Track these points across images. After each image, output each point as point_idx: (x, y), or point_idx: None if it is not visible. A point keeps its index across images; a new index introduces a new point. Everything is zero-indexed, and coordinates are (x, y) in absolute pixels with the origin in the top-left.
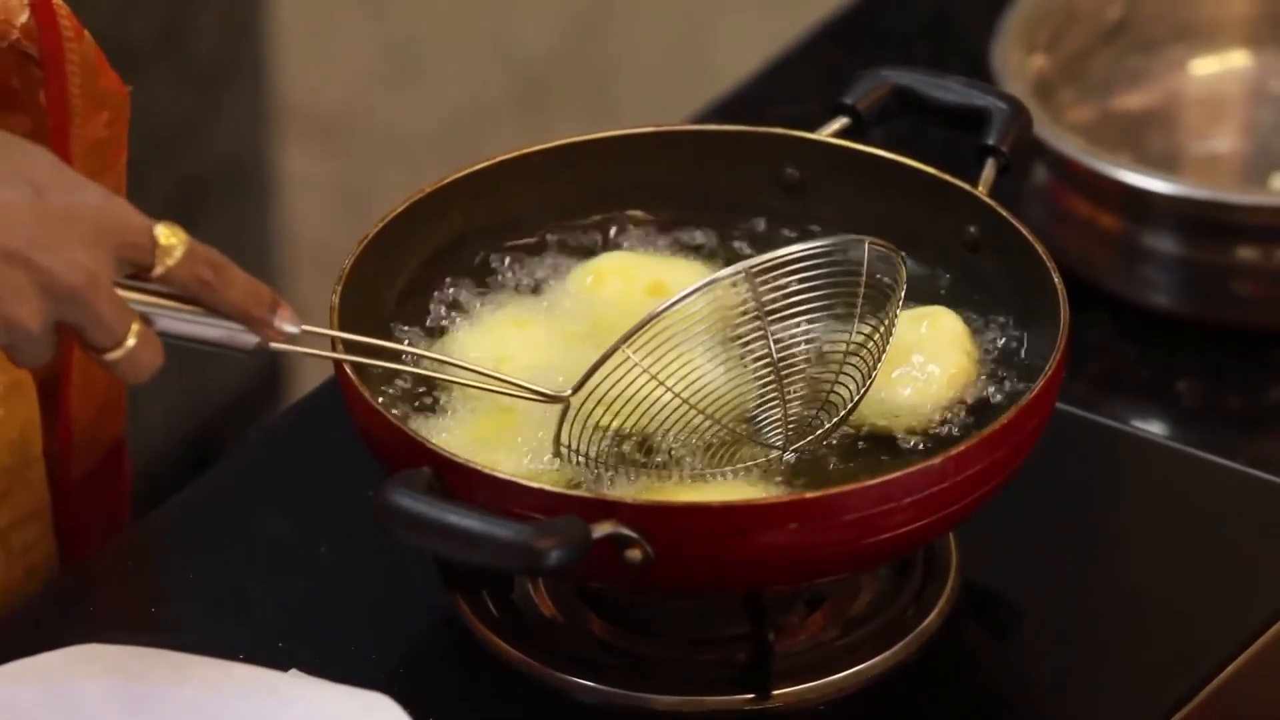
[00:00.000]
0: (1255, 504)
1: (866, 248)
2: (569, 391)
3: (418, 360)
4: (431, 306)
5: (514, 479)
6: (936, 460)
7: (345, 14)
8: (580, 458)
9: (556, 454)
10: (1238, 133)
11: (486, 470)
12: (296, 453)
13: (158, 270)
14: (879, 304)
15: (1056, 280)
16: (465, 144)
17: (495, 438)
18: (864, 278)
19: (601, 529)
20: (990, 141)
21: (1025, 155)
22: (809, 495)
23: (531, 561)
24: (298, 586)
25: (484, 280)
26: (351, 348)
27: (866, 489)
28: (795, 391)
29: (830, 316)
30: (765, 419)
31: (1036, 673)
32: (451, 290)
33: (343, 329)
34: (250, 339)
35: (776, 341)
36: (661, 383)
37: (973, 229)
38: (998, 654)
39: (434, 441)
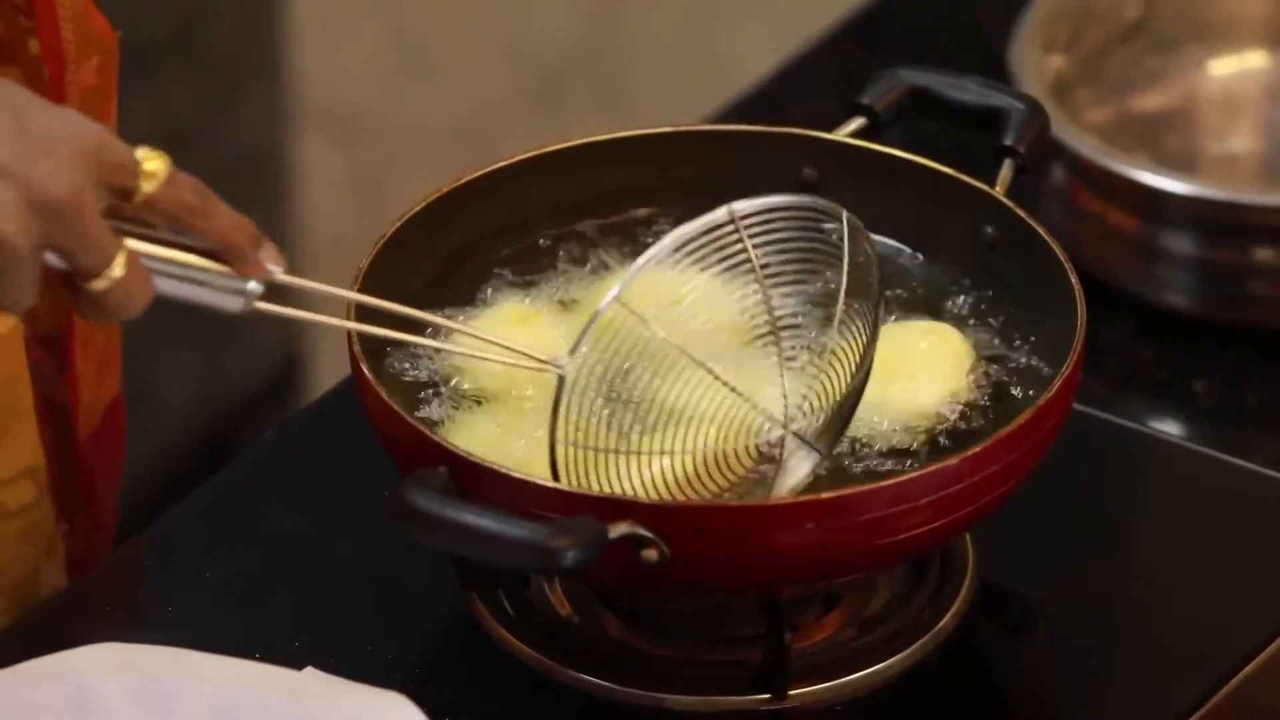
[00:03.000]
0: (1272, 504)
1: (845, 218)
2: (565, 357)
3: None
4: (446, 306)
5: (530, 479)
6: (953, 460)
7: (360, 10)
8: (578, 449)
9: (552, 457)
10: (1255, 133)
11: (503, 470)
12: (312, 452)
13: (142, 192)
14: (864, 285)
15: (1073, 280)
16: (480, 140)
17: (504, 435)
18: (846, 246)
19: (617, 529)
20: (1007, 142)
21: (1042, 155)
22: (825, 496)
23: (547, 561)
24: (313, 585)
25: (500, 280)
26: (364, 316)
27: (883, 489)
28: (793, 353)
29: (817, 279)
30: (766, 388)
31: (1053, 673)
32: (467, 290)
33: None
34: (236, 300)
35: (771, 294)
36: (650, 327)
37: (990, 229)
38: (1014, 654)
39: (451, 441)
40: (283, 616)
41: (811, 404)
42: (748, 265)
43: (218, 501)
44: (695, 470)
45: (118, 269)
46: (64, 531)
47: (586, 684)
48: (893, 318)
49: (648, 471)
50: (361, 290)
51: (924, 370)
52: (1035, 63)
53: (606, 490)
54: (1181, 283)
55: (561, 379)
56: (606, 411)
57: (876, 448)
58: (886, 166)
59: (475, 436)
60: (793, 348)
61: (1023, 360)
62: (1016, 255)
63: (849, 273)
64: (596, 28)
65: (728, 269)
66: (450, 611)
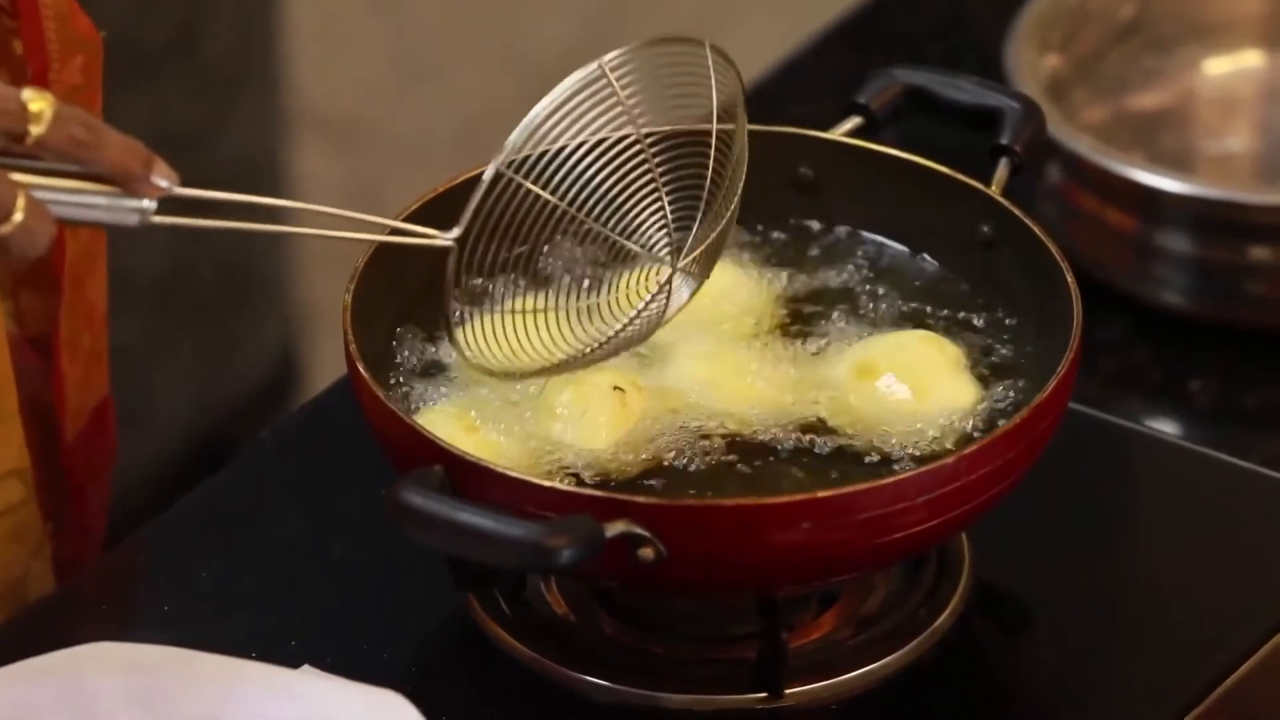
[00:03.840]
0: (1268, 504)
1: (708, 48)
2: (454, 233)
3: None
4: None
5: (526, 478)
6: (949, 459)
7: (358, 16)
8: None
9: (448, 327)
10: (1251, 132)
11: (498, 469)
12: (309, 452)
13: (32, 135)
14: (731, 114)
15: (1069, 279)
16: (478, 145)
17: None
18: (713, 80)
19: (614, 528)
20: (1004, 141)
21: (1038, 155)
22: (822, 494)
23: (543, 560)
24: (310, 585)
25: (496, 280)
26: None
27: (880, 488)
28: (674, 189)
29: (693, 118)
30: (651, 226)
31: (1049, 672)
32: (467, 289)
33: (355, 329)
34: (133, 217)
35: (648, 139)
36: (543, 193)
37: (986, 228)
38: (1010, 653)
39: (446, 440)
40: (279, 616)
41: (696, 238)
42: (624, 116)
43: (214, 502)
44: (589, 317)
45: (18, 214)
46: (50, 532)
47: (583, 683)
48: (886, 324)
49: (544, 328)
50: (358, 291)
51: (919, 376)
52: (1031, 62)
53: (509, 356)
54: (1178, 282)
55: (450, 249)
56: (499, 275)
57: (874, 451)
58: (883, 166)
59: (469, 434)
60: (674, 189)
61: (1019, 359)
62: (1013, 254)
63: (718, 105)
64: (593, 33)
65: (608, 122)
66: (447, 611)
